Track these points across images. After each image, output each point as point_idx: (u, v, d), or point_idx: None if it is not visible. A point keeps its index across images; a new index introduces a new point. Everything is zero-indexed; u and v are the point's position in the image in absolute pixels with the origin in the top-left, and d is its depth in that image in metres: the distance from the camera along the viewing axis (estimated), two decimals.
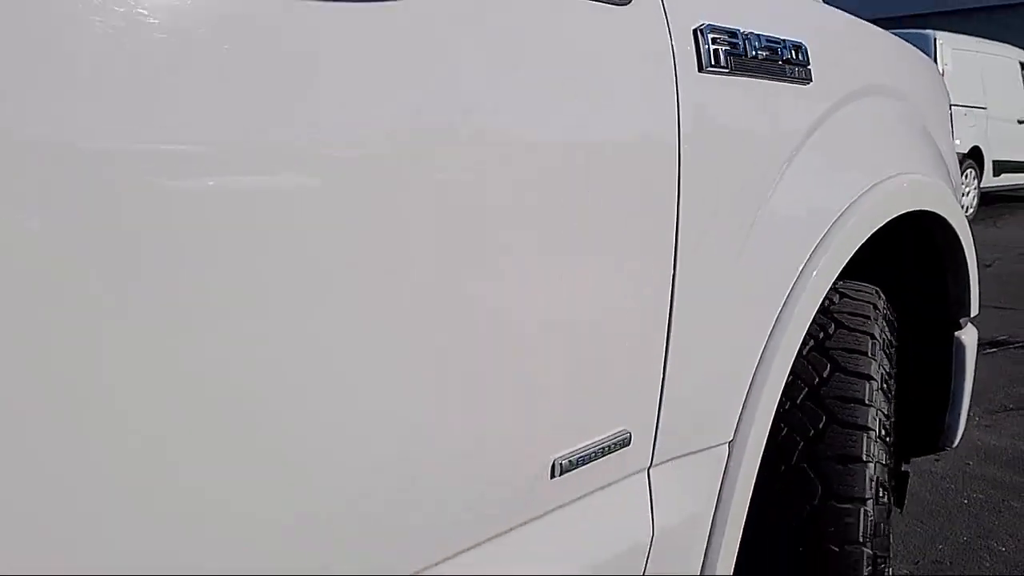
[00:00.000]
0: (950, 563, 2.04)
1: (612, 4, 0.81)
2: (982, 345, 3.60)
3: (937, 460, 2.62)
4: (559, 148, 0.75)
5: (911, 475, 1.75)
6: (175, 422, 0.53)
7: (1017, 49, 10.13)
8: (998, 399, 3.20)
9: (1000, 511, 2.31)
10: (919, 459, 2.45)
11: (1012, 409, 3.11)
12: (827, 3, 1.28)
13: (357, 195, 0.60)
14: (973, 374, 1.66)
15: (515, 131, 0.71)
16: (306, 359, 0.58)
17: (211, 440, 0.55)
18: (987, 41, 9.50)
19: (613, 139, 0.81)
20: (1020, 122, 9.77)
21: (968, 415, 1.84)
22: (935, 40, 8.23)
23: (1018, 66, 9.93)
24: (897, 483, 1.67)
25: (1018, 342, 4.01)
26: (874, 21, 1.51)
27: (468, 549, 0.74)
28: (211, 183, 0.53)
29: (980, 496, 2.40)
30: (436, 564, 0.71)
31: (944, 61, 8.17)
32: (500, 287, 0.71)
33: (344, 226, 0.59)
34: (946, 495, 2.40)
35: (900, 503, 1.70)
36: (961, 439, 2.50)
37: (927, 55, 6.93)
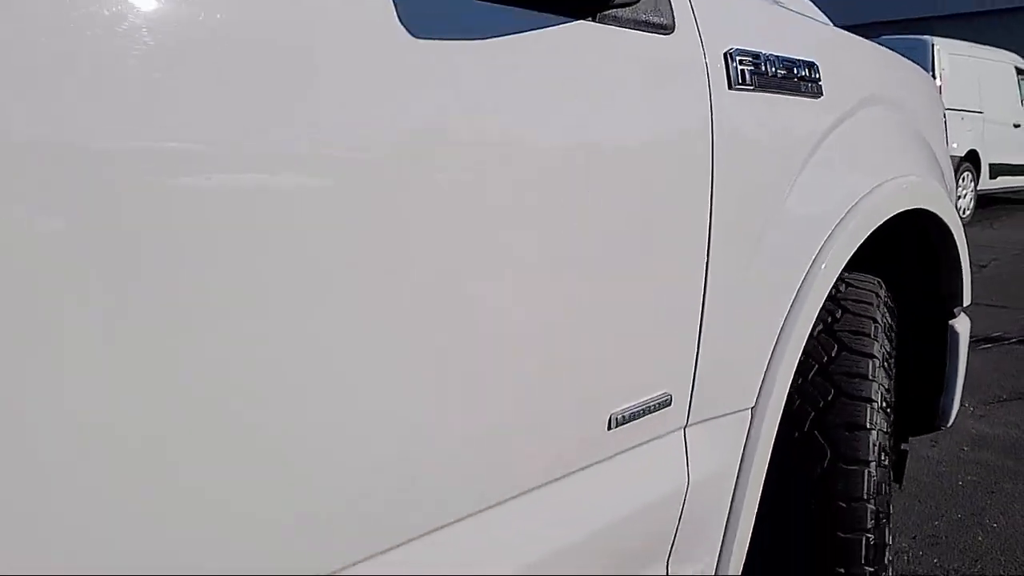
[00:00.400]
0: (945, 538, 2.20)
1: (659, 33, 0.97)
2: (977, 341, 3.77)
3: (934, 446, 2.78)
4: (618, 154, 0.91)
5: (909, 459, 1.91)
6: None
7: (1012, 54, 10.31)
8: (992, 391, 3.36)
9: (992, 492, 2.46)
10: (917, 446, 2.61)
11: (1004, 400, 3.27)
12: (832, 5, 1.44)
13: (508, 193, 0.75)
14: (966, 359, 1.82)
15: (593, 141, 0.87)
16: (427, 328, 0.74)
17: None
18: (983, 47, 9.67)
19: (661, 145, 0.97)
20: (1016, 126, 9.94)
21: (963, 405, 1.99)
22: (933, 46, 8.40)
23: (1014, 71, 10.10)
24: (897, 460, 1.83)
25: (1011, 338, 4.18)
26: (873, 25, 1.67)
27: (546, 484, 0.90)
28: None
29: (973, 479, 2.55)
30: (526, 492, 0.87)
31: (941, 66, 8.34)
32: (582, 278, 0.87)
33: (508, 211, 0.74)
34: (942, 477, 2.55)
35: (899, 479, 1.85)
36: (956, 428, 2.66)
37: (925, 61, 7.09)
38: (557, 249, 0.84)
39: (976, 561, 2.08)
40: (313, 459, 0.67)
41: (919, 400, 1.85)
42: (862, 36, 1.57)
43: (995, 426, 2.99)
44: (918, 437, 1.99)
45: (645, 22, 0.94)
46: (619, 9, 0.90)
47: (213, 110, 0.56)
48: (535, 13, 0.81)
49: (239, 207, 0.58)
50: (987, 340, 4.06)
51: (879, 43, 1.65)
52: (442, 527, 0.79)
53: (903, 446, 1.88)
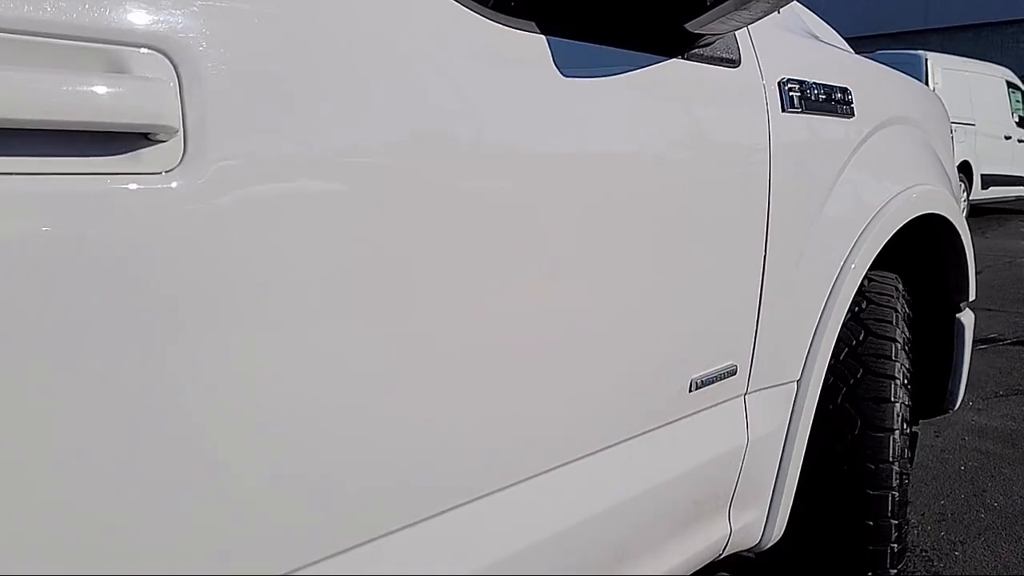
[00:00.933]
0: (951, 515, 2.41)
1: (729, 67, 1.18)
2: (975, 343, 3.99)
3: (937, 436, 2.99)
4: (702, 163, 1.12)
5: (916, 447, 2.11)
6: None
7: (1003, 68, 10.59)
8: (989, 387, 3.58)
9: (993, 475, 2.68)
10: (922, 437, 2.82)
11: (1002, 395, 3.49)
12: (827, 21, 1.65)
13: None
14: (971, 348, 2.03)
15: (686, 152, 1.08)
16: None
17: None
18: (975, 61, 9.95)
19: (731, 157, 1.18)
20: (1007, 138, 10.21)
21: (964, 400, 2.20)
22: (926, 61, 8.67)
23: (1004, 84, 10.38)
24: (909, 439, 2.04)
25: (1006, 340, 4.40)
26: (868, 37, 1.87)
27: (642, 434, 1.10)
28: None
29: (975, 464, 2.77)
30: (625, 440, 1.07)
31: (935, 80, 8.60)
32: (675, 268, 1.08)
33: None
34: (946, 463, 2.76)
35: (909, 460, 2.06)
36: (957, 420, 2.87)
37: (919, 74, 7.32)
38: (664, 246, 1.05)
39: (979, 535, 2.29)
40: (449, 398, 0.87)
41: (929, 386, 2.06)
42: (857, 48, 1.78)
43: (993, 418, 3.20)
44: (923, 429, 2.20)
45: (719, 58, 1.16)
46: (700, 49, 1.11)
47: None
48: (644, 54, 1.02)
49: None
50: (984, 341, 4.28)
51: (874, 58, 1.87)
52: (576, 459, 1.00)
53: (913, 428, 2.09)
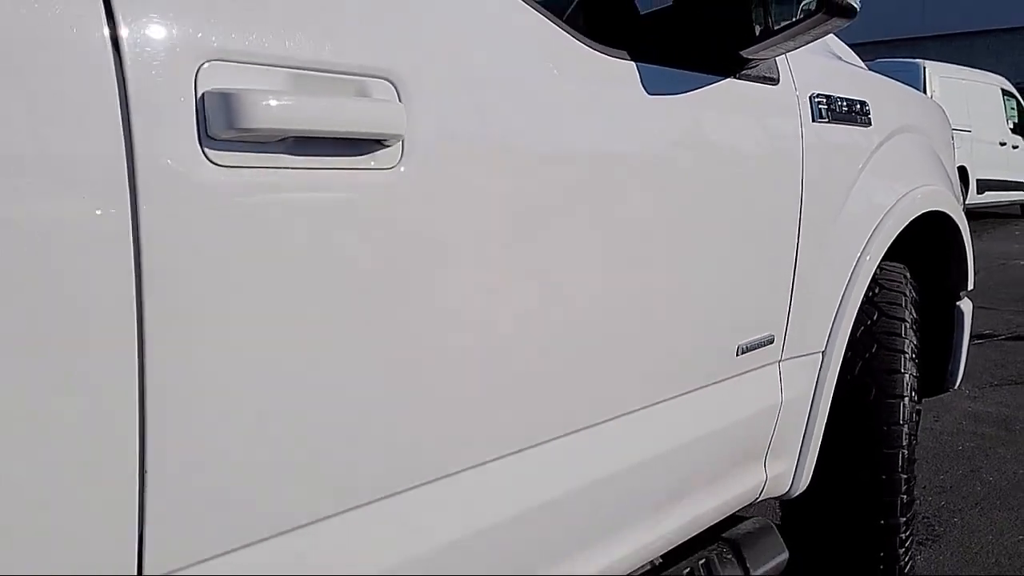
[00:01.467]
0: (951, 487, 2.64)
1: (770, 84, 1.41)
2: (972, 338, 4.23)
3: (936, 420, 3.23)
4: (748, 163, 1.35)
5: (919, 430, 2.33)
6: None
7: (999, 77, 10.87)
8: (985, 378, 3.82)
9: (987, 455, 2.91)
10: (923, 421, 3.05)
11: (996, 385, 3.73)
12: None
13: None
14: (969, 333, 2.26)
15: (736, 154, 1.32)
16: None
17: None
18: (971, 69, 10.23)
19: (771, 159, 1.41)
20: (1002, 144, 10.48)
21: (960, 389, 2.42)
22: (924, 69, 8.93)
23: (999, 92, 10.66)
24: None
25: (1000, 335, 4.66)
26: (866, 44, 2.08)
27: (696, 389, 1.33)
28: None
29: (972, 444, 3.01)
30: (687, 392, 1.30)
31: (932, 88, 8.86)
32: (728, 252, 1.31)
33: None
34: (946, 444, 3.00)
35: (916, 425, 2.29)
36: (955, 407, 3.10)
37: (917, 82, 7.59)
38: (720, 233, 1.29)
39: (975, 505, 2.53)
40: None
41: (931, 367, 2.29)
42: (856, 54, 2.00)
43: (988, 405, 3.44)
44: (923, 415, 2.42)
45: (763, 77, 1.39)
46: (749, 70, 1.34)
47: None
48: (706, 75, 1.25)
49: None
50: (979, 337, 4.53)
51: (873, 66, 2.09)
52: (650, 405, 1.23)
53: (917, 407, 2.32)
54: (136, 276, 0.65)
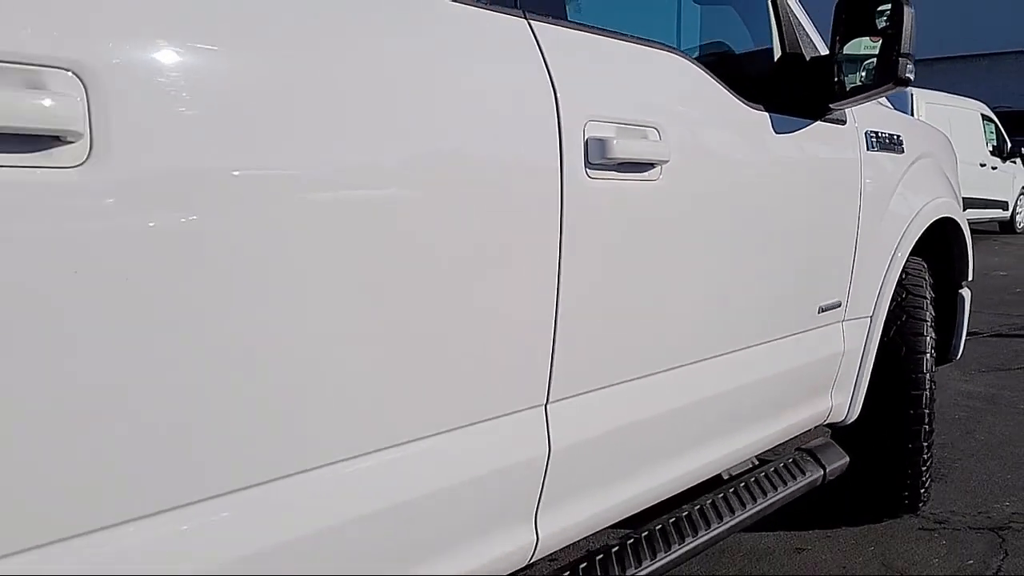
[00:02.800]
0: (950, 444, 3.26)
1: (840, 125, 2.02)
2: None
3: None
4: (828, 183, 1.96)
5: None
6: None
7: (978, 102, 11.64)
8: (973, 366, 4.46)
9: (978, 421, 3.54)
10: None
11: (983, 371, 4.37)
12: None
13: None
14: (968, 316, 2.88)
15: (820, 178, 1.93)
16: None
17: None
18: (954, 95, 10.98)
19: (841, 180, 2.02)
20: (982, 165, 11.23)
21: (953, 374, 3.03)
22: (911, 95, 9.66)
23: (979, 116, 11.43)
24: None
25: (985, 333, 5.31)
26: None
27: (795, 334, 1.93)
28: None
29: (965, 414, 3.63)
30: (785, 336, 1.90)
31: (919, 112, 9.59)
32: (814, 243, 1.92)
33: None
34: (944, 414, 3.62)
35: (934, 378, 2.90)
36: (949, 388, 3.72)
37: (905, 107, 8.32)
38: (812, 229, 1.89)
39: (971, 456, 3.14)
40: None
41: (938, 343, 2.91)
42: None
43: (978, 386, 4.08)
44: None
45: (837, 119, 2.00)
46: (830, 115, 1.95)
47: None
48: (806, 119, 1.86)
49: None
50: (968, 334, 5.17)
51: None
52: (768, 341, 1.83)
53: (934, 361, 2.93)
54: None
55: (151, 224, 0.82)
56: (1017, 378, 4.26)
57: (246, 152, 0.89)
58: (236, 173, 0.88)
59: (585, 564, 1.49)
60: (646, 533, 1.62)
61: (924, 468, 2.41)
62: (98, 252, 0.79)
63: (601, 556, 1.52)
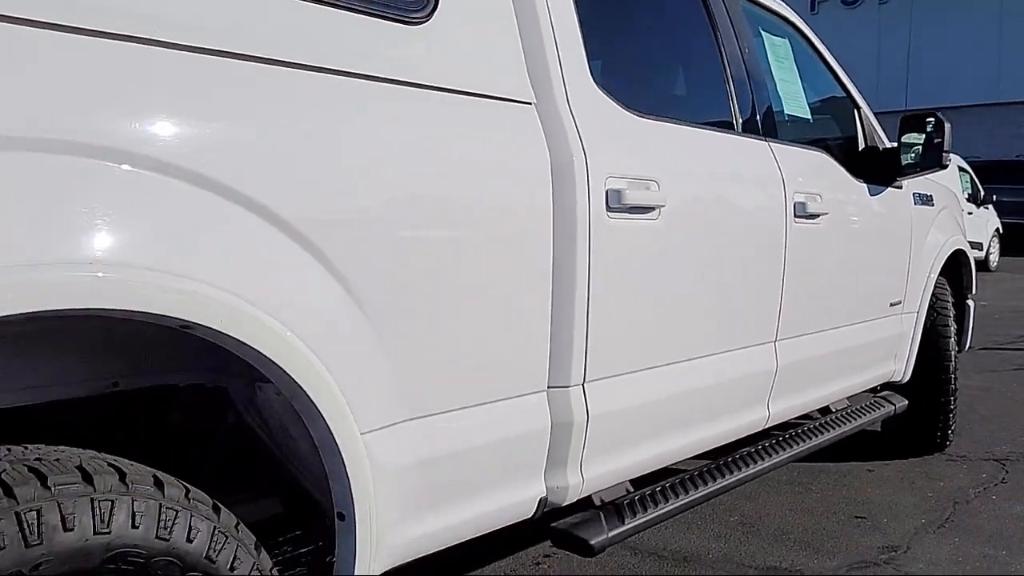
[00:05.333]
0: (961, 415, 4.44)
1: (899, 189, 3.24)
2: None
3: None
4: (895, 226, 3.17)
5: None
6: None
7: (954, 155, 13.08)
8: (969, 370, 5.66)
9: (979, 402, 4.74)
10: None
11: (978, 372, 5.60)
12: None
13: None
14: (973, 319, 4.10)
15: (894, 223, 3.15)
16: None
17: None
18: None
19: (901, 225, 3.23)
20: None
21: None
22: None
23: (956, 167, 12.88)
24: None
25: (975, 347, 6.55)
26: None
27: (877, 318, 3.12)
28: None
29: (965, 398, 4.80)
30: (870, 320, 3.09)
31: None
32: (884, 263, 3.13)
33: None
34: None
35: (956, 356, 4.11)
36: None
37: None
38: (885, 255, 3.10)
39: (975, 423, 4.33)
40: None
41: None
42: None
43: (975, 382, 5.30)
44: None
45: (898, 186, 3.22)
46: (896, 184, 3.17)
47: None
48: (883, 187, 3.08)
49: None
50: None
51: None
52: (863, 321, 3.02)
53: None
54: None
55: None
56: (1005, 376, 5.50)
57: None
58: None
59: (733, 457, 2.63)
60: (791, 431, 2.78)
61: (950, 416, 3.60)
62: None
63: (763, 444, 2.67)
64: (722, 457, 2.41)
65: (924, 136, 3.07)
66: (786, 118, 2.70)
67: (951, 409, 3.61)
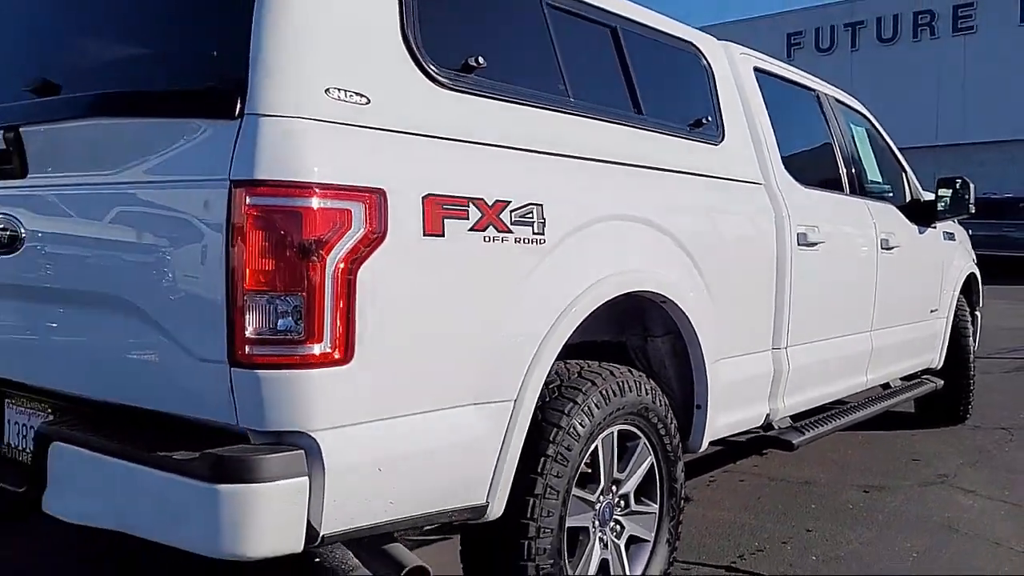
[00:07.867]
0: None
1: (933, 228, 4.54)
2: None
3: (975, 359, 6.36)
4: (933, 252, 4.47)
5: None
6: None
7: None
8: None
9: (984, 394, 6.01)
10: None
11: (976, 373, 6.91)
12: None
13: None
14: (980, 326, 5.39)
15: (934, 256, 4.46)
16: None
17: None
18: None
19: (936, 251, 4.54)
20: None
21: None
22: None
23: None
24: None
25: None
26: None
27: (920, 321, 4.40)
28: None
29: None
30: (916, 322, 4.37)
31: None
32: (926, 285, 4.43)
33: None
34: None
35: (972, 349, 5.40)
36: None
37: None
38: (923, 278, 4.39)
39: (985, 405, 5.60)
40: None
41: None
42: None
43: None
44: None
45: (933, 226, 4.52)
46: (933, 224, 4.47)
47: None
48: (927, 227, 4.37)
49: None
50: None
51: None
52: (912, 323, 4.29)
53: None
54: None
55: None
56: (1001, 376, 6.82)
57: None
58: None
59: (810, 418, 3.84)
60: (857, 400, 4.01)
61: (970, 394, 4.89)
62: None
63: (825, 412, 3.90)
64: (837, 407, 3.69)
65: (951, 191, 4.37)
66: (868, 181, 3.99)
67: (971, 389, 4.89)
